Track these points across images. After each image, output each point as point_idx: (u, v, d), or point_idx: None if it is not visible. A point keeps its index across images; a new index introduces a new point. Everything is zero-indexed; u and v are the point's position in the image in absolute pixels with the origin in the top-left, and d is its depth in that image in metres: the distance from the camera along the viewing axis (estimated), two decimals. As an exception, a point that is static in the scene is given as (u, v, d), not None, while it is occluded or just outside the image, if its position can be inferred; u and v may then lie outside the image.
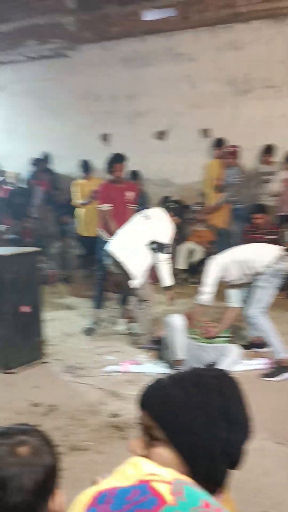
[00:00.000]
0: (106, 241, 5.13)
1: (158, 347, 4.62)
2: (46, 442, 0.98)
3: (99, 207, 5.42)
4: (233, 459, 0.91)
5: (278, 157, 7.13)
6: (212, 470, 0.88)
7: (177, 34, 7.84)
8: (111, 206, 5.30)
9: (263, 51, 7.22)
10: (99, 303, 5.49)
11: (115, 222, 5.23)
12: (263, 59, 7.23)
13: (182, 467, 0.86)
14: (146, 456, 0.87)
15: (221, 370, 0.99)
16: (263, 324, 4.41)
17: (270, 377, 4.24)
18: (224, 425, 0.89)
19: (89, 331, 5.32)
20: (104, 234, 5.32)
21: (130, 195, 5.42)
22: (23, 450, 0.92)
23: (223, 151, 7.44)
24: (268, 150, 7.11)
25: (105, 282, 5.39)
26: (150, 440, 0.91)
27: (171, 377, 0.94)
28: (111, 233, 5.20)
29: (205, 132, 7.84)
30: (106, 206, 5.31)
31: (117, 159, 5.36)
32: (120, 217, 5.23)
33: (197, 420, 0.87)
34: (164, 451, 0.88)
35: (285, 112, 7.17)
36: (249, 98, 7.44)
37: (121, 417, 3.58)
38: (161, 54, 7.99)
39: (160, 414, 0.89)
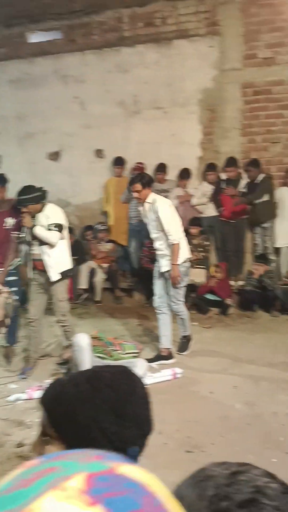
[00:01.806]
0: None
1: (66, 368, 4.51)
2: None
3: None
4: (126, 455, 0.89)
5: (170, 175, 7.38)
6: None
7: (64, 56, 7.87)
8: None
9: (148, 74, 7.47)
10: None
11: None
12: (149, 82, 7.48)
13: None
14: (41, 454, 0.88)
15: (122, 367, 0.98)
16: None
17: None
18: (114, 419, 0.87)
19: None
20: None
21: (10, 221, 4.95)
22: None
23: (122, 169, 7.54)
24: (161, 168, 7.34)
25: None
26: (45, 437, 0.93)
27: (69, 374, 0.96)
28: None
29: (98, 153, 7.91)
30: None
31: None
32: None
33: (84, 414, 0.87)
34: (53, 448, 0.89)
35: (173, 132, 7.45)
36: (139, 119, 7.64)
37: (27, 446, 3.41)
38: (49, 75, 7.97)
39: (51, 410, 0.91)
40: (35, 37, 8.02)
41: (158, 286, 5.02)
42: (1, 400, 4.15)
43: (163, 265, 4.87)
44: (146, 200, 4.83)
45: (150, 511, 0.41)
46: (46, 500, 0.40)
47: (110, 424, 0.86)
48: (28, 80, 8.10)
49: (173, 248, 4.76)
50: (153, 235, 4.89)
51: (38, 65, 8.02)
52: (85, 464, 0.45)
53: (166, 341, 4.97)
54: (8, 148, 8.32)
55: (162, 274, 4.93)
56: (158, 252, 4.92)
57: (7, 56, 8.13)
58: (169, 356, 4.94)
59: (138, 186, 4.77)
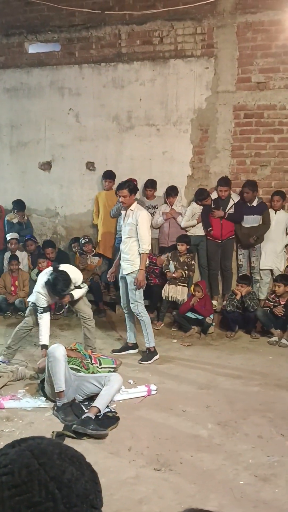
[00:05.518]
0: None
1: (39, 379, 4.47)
2: None
3: None
4: None
5: (159, 192, 7.43)
6: None
7: (61, 68, 7.95)
8: None
9: (143, 91, 7.55)
10: None
11: None
12: (143, 99, 7.56)
13: None
14: None
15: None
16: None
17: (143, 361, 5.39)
18: None
19: None
20: None
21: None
22: None
23: (111, 183, 7.54)
24: (150, 184, 7.37)
25: None
26: None
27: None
28: None
29: (90, 165, 7.94)
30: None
31: None
32: None
33: None
34: None
35: (165, 150, 7.51)
36: (131, 135, 7.69)
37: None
38: (46, 87, 8.03)
39: None
40: (33, 48, 8.10)
41: (121, 288, 5.70)
42: (-28, 408, 4.11)
43: (124, 268, 5.47)
44: (129, 207, 5.41)
45: None
46: None
47: None
48: (24, 89, 8.16)
49: (143, 256, 5.36)
50: (124, 238, 5.50)
51: (35, 76, 8.08)
52: None
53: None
54: (0, 156, 8.35)
55: (123, 277, 5.55)
56: (123, 255, 5.51)
57: (4, 64, 8.20)
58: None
59: (125, 192, 5.34)
